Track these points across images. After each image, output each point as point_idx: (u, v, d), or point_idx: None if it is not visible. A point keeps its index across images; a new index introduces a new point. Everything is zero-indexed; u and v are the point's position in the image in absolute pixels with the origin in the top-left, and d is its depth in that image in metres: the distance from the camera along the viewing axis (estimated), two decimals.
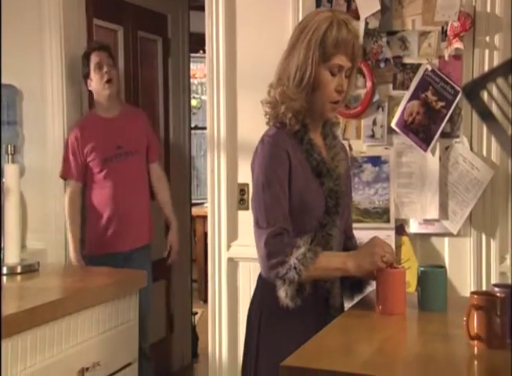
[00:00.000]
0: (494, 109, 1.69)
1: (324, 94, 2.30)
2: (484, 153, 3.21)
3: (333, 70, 2.28)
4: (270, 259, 2.20)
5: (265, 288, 2.32)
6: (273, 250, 2.20)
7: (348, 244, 2.49)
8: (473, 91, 1.70)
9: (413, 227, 3.31)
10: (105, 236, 4.01)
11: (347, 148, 3.04)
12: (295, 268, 2.15)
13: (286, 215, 2.26)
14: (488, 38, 3.18)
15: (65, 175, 4.04)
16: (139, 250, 4.08)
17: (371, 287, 2.41)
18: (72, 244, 3.99)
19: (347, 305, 2.45)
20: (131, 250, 4.04)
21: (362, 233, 2.59)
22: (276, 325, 2.31)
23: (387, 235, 3.23)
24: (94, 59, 4.04)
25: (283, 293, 2.19)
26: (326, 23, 2.27)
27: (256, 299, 2.42)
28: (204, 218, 6.06)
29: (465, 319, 1.84)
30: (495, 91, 1.70)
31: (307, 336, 1.97)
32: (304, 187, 2.28)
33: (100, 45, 4.14)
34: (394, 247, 3.24)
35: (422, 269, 2.27)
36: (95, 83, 4.05)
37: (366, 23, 3.31)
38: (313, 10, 2.97)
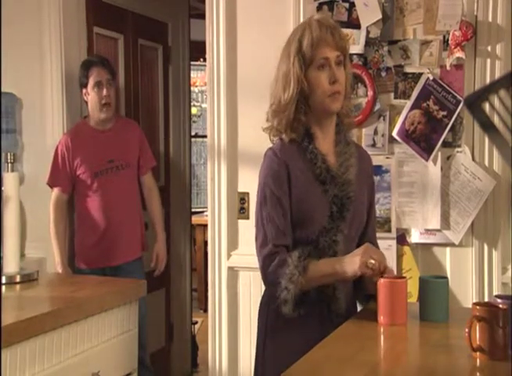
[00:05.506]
0: (496, 120, 1.69)
1: (320, 92, 2.30)
2: (486, 163, 3.20)
3: (320, 64, 2.28)
4: (266, 280, 2.31)
5: (269, 298, 2.35)
6: (268, 272, 2.28)
7: None
8: (475, 103, 1.69)
9: (415, 237, 3.30)
10: (95, 250, 3.96)
11: None
12: (286, 288, 2.22)
13: (283, 228, 2.29)
14: (489, 48, 3.18)
15: (52, 184, 3.98)
16: (130, 263, 4.03)
17: None
18: (59, 256, 3.89)
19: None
20: (121, 264, 4.00)
21: None
22: (280, 333, 2.34)
23: (389, 245, 3.22)
24: (94, 76, 3.97)
25: (283, 309, 2.25)
26: (299, 32, 2.31)
27: (262, 307, 2.44)
28: (204, 226, 6.05)
29: (467, 330, 1.82)
30: (496, 102, 1.70)
31: (310, 344, 1.98)
32: (305, 195, 2.30)
33: (101, 61, 4.05)
34: (395, 256, 3.24)
35: (423, 279, 2.26)
36: (93, 101, 3.99)
37: (367, 32, 3.31)
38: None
